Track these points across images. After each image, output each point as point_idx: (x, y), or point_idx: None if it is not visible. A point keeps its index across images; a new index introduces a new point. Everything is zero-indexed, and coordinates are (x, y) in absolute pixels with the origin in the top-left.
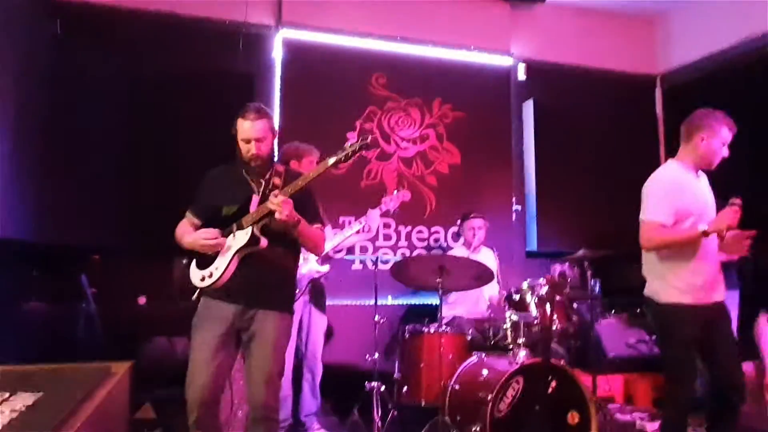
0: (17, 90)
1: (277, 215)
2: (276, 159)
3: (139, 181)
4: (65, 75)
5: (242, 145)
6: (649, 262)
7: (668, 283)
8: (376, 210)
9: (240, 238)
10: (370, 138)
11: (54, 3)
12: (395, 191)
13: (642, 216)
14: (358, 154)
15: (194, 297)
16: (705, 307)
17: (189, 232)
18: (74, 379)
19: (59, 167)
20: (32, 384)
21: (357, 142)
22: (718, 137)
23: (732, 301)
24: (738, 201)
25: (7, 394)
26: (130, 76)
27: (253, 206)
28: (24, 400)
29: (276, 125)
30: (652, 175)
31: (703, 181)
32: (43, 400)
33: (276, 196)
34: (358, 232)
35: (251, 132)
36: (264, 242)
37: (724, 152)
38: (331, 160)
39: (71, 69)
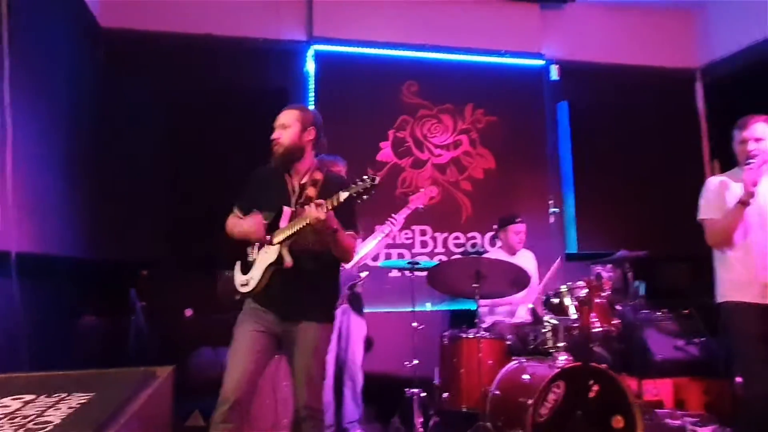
0: (67, 114)
1: (314, 224)
2: (314, 163)
3: (183, 197)
4: (110, 98)
5: None
6: (718, 267)
7: (722, 282)
8: (396, 216)
9: (270, 254)
10: (378, 179)
11: (98, 30)
12: (422, 189)
13: (700, 216)
14: (369, 193)
15: (237, 297)
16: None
17: (239, 225)
18: (122, 381)
19: (108, 187)
20: (86, 385)
21: (368, 181)
22: (734, 141)
23: None
24: (752, 158)
25: (65, 394)
26: (171, 96)
27: (284, 219)
28: (79, 398)
29: (319, 127)
30: (708, 179)
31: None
32: (95, 399)
33: (319, 207)
34: (387, 235)
35: (278, 119)
36: (288, 262)
37: (750, 147)
38: (344, 195)
39: (115, 92)
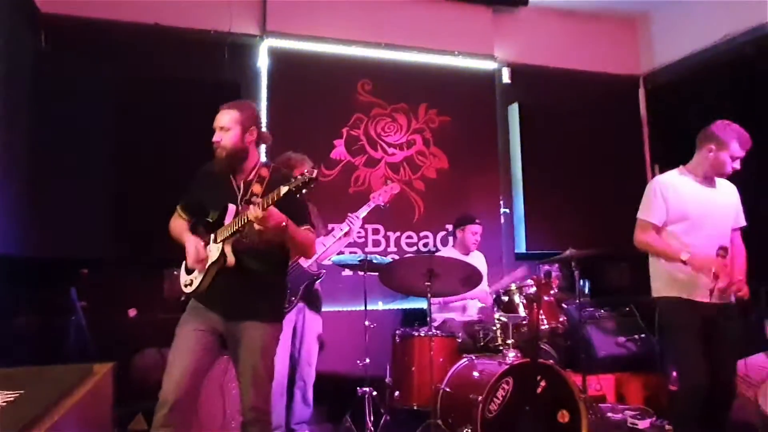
0: (1, 103)
1: (256, 226)
2: (259, 160)
3: (127, 193)
4: (50, 87)
5: None
6: (652, 264)
7: (666, 282)
8: (357, 212)
9: (213, 252)
10: (315, 173)
11: (38, 16)
12: (386, 182)
13: (638, 214)
14: (308, 187)
15: (182, 298)
16: (706, 305)
17: (184, 230)
18: (55, 378)
19: (46, 180)
20: (14, 383)
21: (307, 175)
22: (726, 150)
23: None
24: (724, 252)
25: None
26: (116, 87)
27: (228, 216)
28: (6, 396)
29: (259, 124)
30: (655, 178)
31: (721, 189)
32: (23, 397)
33: (255, 205)
34: (346, 234)
35: (216, 119)
36: (231, 260)
37: (735, 165)
38: (284, 190)
39: (56, 81)
